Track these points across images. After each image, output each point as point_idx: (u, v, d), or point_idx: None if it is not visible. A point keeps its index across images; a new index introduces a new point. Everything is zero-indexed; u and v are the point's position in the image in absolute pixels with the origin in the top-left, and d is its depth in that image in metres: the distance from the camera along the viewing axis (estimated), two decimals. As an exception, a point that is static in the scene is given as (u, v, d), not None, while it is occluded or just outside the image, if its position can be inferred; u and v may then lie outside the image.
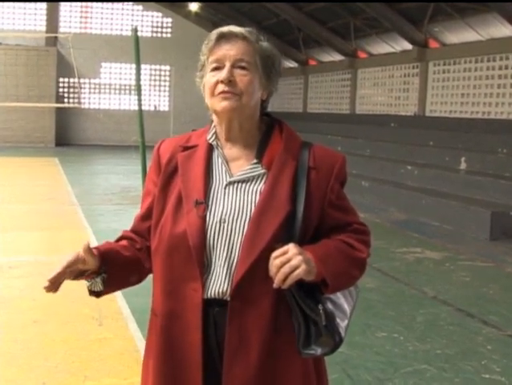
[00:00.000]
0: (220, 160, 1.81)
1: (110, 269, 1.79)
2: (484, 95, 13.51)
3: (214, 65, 1.76)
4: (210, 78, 1.76)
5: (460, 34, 14.07)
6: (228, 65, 1.73)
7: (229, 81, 1.72)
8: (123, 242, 1.90)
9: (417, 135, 13.95)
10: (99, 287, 1.80)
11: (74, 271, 1.73)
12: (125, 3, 25.10)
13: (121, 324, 4.91)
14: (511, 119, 12.58)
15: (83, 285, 1.83)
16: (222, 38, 1.75)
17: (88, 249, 1.70)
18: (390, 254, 7.73)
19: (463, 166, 11.62)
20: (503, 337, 4.98)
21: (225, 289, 1.72)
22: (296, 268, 1.63)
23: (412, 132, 14.27)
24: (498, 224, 8.80)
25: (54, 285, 1.70)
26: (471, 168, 11.40)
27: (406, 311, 5.52)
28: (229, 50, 1.74)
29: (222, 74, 1.73)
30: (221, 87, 1.73)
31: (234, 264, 1.72)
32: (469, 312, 5.56)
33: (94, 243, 5.99)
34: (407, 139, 13.99)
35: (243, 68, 1.74)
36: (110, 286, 1.83)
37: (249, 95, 1.74)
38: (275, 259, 1.64)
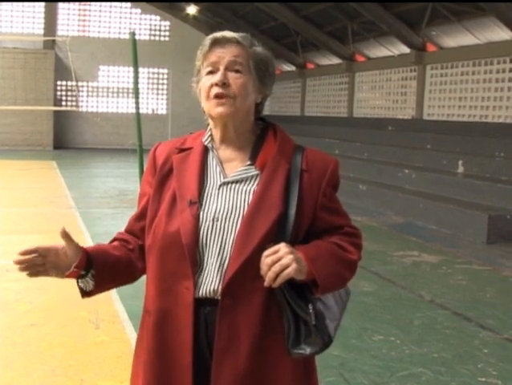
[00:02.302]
0: (214, 162, 1.85)
1: (98, 266, 1.81)
2: (481, 99, 13.53)
3: (209, 69, 1.80)
4: (205, 81, 1.80)
5: (457, 38, 14.10)
6: (222, 68, 1.78)
7: (223, 83, 1.76)
8: (115, 243, 1.94)
9: (415, 138, 13.97)
10: (90, 286, 1.82)
11: (56, 264, 1.74)
12: (123, 6, 25.13)
13: (118, 327, 4.90)
14: (508, 123, 12.59)
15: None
16: (216, 43, 1.79)
17: (65, 233, 1.73)
18: (387, 258, 7.74)
19: (460, 169, 11.64)
20: (500, 340, 4.98)
21: (216, 287, 1.74)
22: (287, 267, 1.65)
23: (410, 136, 14.29)
24: (495, 228, 8.82)
25: (25, 264, 1.76)
26: (468, 171, 11.42)
27: (403, 315, 5.53)
28: (223, 54, 1.78)
29: (216, 77, 1.77)
30: (215, 90, 1.77)
31: (226, 262, 1.74)
32: (465, 315, 5.57)
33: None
34: (404, 143, 14.01)
35: (237, 71, 1.78)
36: (100, 285, 1.85)
37: (242, 98, 1.78)
38: (266, 258, 1.66)
